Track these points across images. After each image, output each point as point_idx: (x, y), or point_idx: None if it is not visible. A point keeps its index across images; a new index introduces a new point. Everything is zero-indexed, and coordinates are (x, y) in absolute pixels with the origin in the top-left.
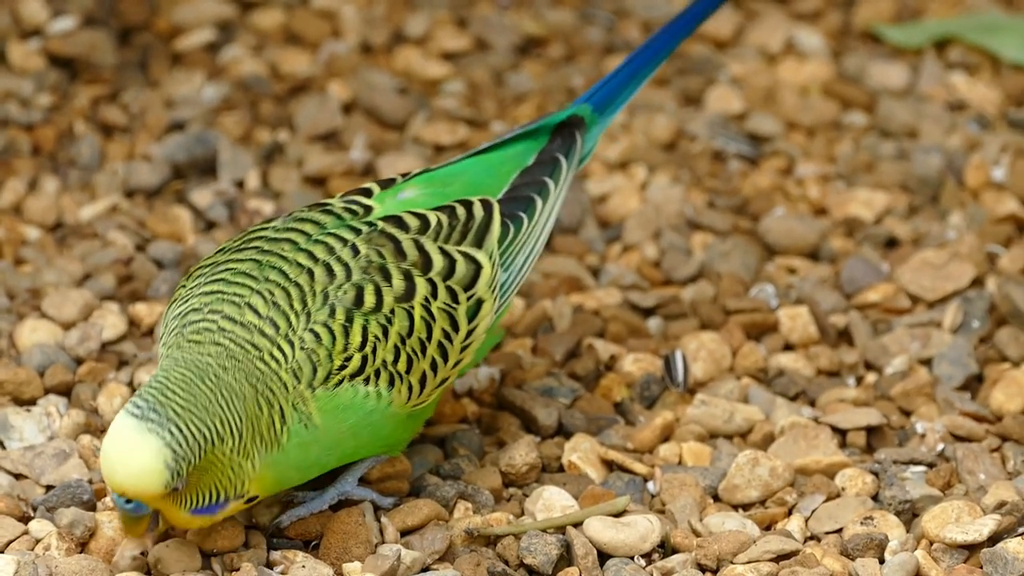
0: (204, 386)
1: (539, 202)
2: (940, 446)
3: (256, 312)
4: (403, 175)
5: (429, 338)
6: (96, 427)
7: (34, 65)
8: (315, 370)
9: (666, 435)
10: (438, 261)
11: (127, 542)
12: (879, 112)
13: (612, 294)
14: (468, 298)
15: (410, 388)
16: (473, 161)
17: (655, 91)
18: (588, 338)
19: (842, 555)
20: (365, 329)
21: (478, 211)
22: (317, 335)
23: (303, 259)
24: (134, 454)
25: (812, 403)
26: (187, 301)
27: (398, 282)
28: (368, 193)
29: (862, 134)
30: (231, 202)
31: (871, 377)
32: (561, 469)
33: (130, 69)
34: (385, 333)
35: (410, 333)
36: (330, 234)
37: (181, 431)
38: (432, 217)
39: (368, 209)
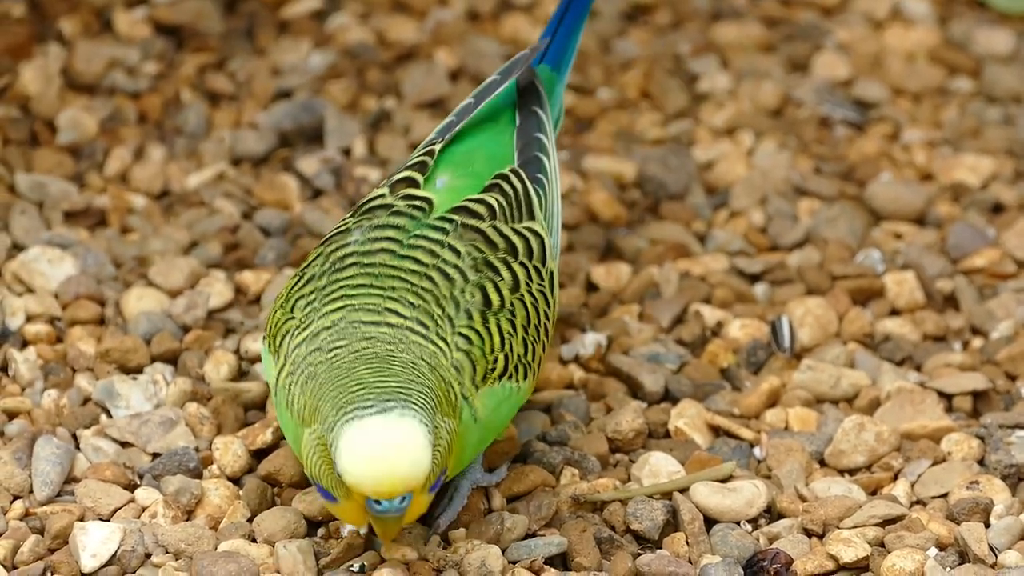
0: (403, 370)
1: (547, 161)
2: None
3: (399, 315)
4: (425, 153)
5: (539, 322)
6: (203, 395)
7: (140, 33)
8: (474, 368)
9: (772, 400)
10: (518, 243)
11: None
12: (985, 78)
13: (719, 260)
14: (548, 272)
15: (535, 373)
16: (478, 133)
17: (762, 57)
18: (694, 304)
19: (948, 520)
20: (500, 328)
21: (517, 184)
22: (468, 338)
23: (412, 265)
24: (401, 446)
25: (918, 368)
26: (308, 327)
27: (505, 274)
28: (416, 184)
29: (968, 100)
30: (337, 170)
31: (977, 342)
32: (667, 435)
33: (236, 37)
34: (513, 328)
35: (528, 322)
36: (419, 237)
37: (422, 407)
38: (491, 201)
39: (429, 202)
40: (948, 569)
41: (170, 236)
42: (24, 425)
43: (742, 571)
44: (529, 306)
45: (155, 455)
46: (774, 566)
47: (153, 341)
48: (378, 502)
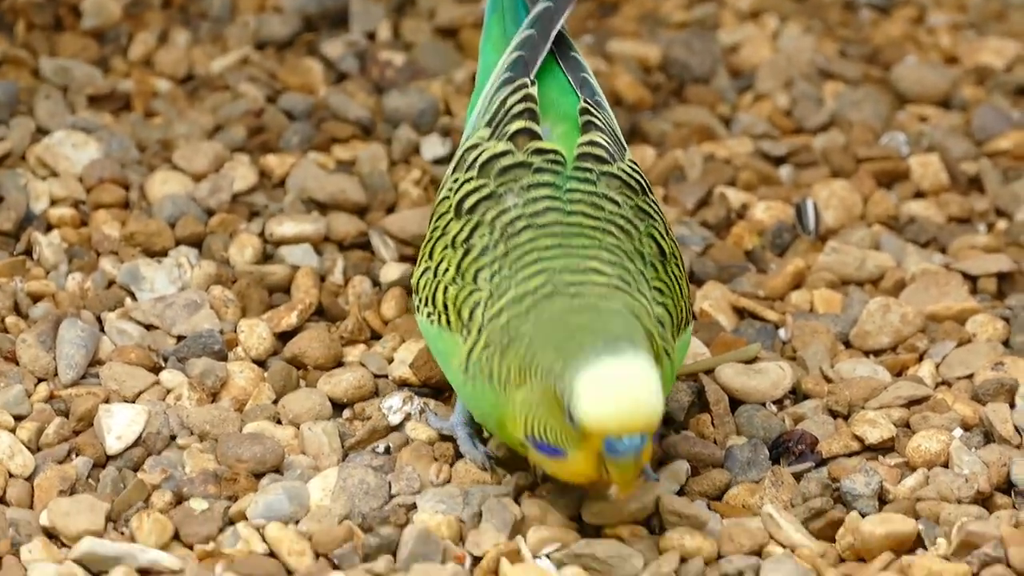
0: (619, 318)
1: (591, 79)
2: None
3: (602, 273)
4: (524, 99)
5: (681, 259)
6: (227, 278)
7: None
8: (672, 321)
9: (797, 282)
10: (641, 180)
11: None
12: None
13: (743, 143)
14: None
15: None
16: (543, 75)
17: None
18: (719, 187)
19: (973, 400)
20: (675, 276)
21: (600, 116)
22: (661, 291)
23: (589, 221)
24: (641, 381)
25: (943, 250)
26: (504, 294)
27: (657, 216)
28: (537, 135)
29: None
30: (362, 53)
31: (1002, 224)
32: (693, 316)
33: None
34: (680, 271)
35: (679, 263)
36: (574, 192)
37: (647, 351)
38: (601, 141)
39: (560, 154)
40: (973, 450)
41: (194, 120)
42: (48, 308)
43: (768, 451)
44: (676, 245)
45: (180, 338)
46: (799, 447)
47: (178, 224)
48: (618, 443)
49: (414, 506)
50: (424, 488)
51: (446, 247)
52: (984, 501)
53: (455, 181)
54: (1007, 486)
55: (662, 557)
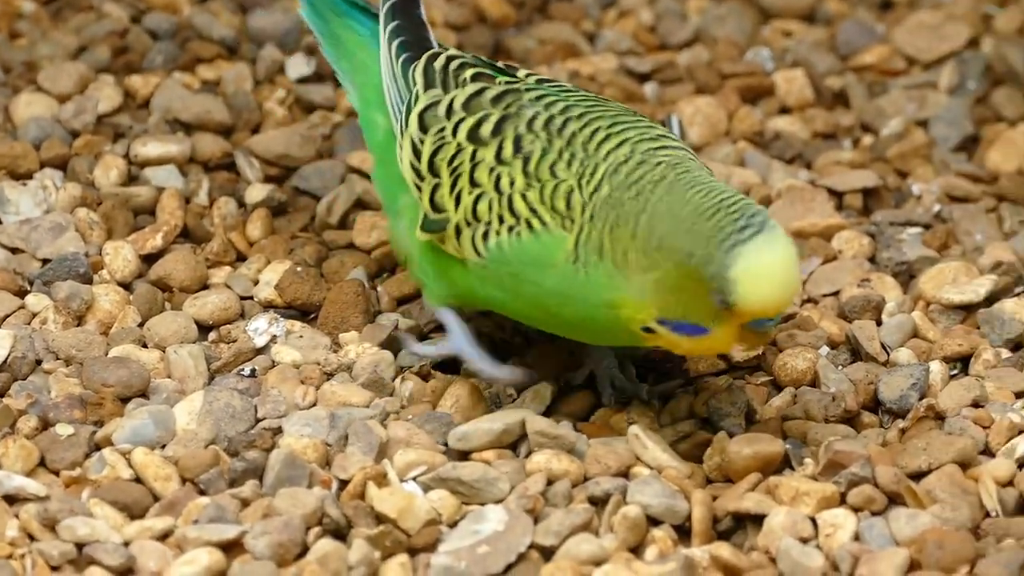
0: (728, 188)
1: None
2: (936, 207)
3: (670, 137)
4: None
5: None
6: (92, 200)
7: None
8: None
9: None
10: None
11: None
12: None
13: (608, 60)
14: None
15: None
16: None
17: None
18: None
19: (840, 317)
20: None
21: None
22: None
23: (610, 106)
24: (792, 258)
25: (808, 166)
26: (594, 175)
27: None
28: (499, 72)
29: None
30: None
31: (867, 139)
32: None
33: None
34: None
35: None
36: (553, 95)
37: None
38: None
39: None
40: (840, 368)
41: (59, 41)
42: None
43: (635, 370)
44: None
45: (45, 261)
46: (667, 365)
47: (43, 146)
48: (768, 320)
49: (280, 430)
50: (290, 411)
51: (492, 168)
52: (851, 420)
53: (439, 131)
54: (874, 404)
55: (528, 479)
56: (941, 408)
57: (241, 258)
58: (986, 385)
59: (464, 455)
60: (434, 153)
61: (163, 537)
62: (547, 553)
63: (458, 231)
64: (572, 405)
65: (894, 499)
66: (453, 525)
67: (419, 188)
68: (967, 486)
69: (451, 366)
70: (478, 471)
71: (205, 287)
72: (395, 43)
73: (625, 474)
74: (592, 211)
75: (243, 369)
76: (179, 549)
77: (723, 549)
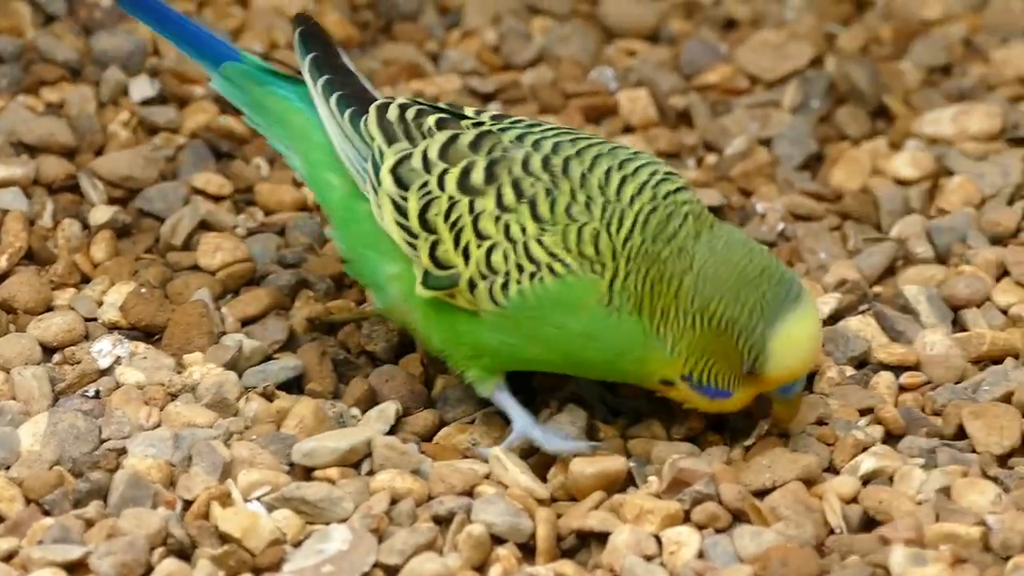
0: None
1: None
2: (781, 225)
3: (675, 176)
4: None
5: None
6: None
7: None
8: None
9: None
10: None
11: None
12: None
13: (452, 80)
14: None
15: None
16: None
17: None
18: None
19: None
20: None
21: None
22: None
23: (595, 141)
24: (819, 333)
25: None
26: (622, 218)
27: None
28: (461, 115)
29: None
30: None
31: (711, 158)
32: None
33: None
34: None
35: None
36: (524, 133)
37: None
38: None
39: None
40: None
41: None
42: None
43: None
44: None
45: None
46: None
47: None
48: (793, 385)
49: (124, 450)
50: (134, 432)
51: (497, 217)
52: (695, 438)
53: (423, 186)
54: (718, 423)
55: (372, 499)
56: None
57: (85, 280)
58: (830, 403)
59: (308, 472)
60: (424, 209)
61: (8, 558)
62: (391, 572)
63: (472, 284)
64: (416, 425)
65: (738, 516)
66: (297, 545)
67: (413, 246)
68: (811, 503)
69: (296, 386)
70: (322, 490)
71: (49, 309)
72: (333, 99)
73: (469, 493)
74: (627, 258)
75: (87, 390)
76: (24, 570)
77: (567, 567)
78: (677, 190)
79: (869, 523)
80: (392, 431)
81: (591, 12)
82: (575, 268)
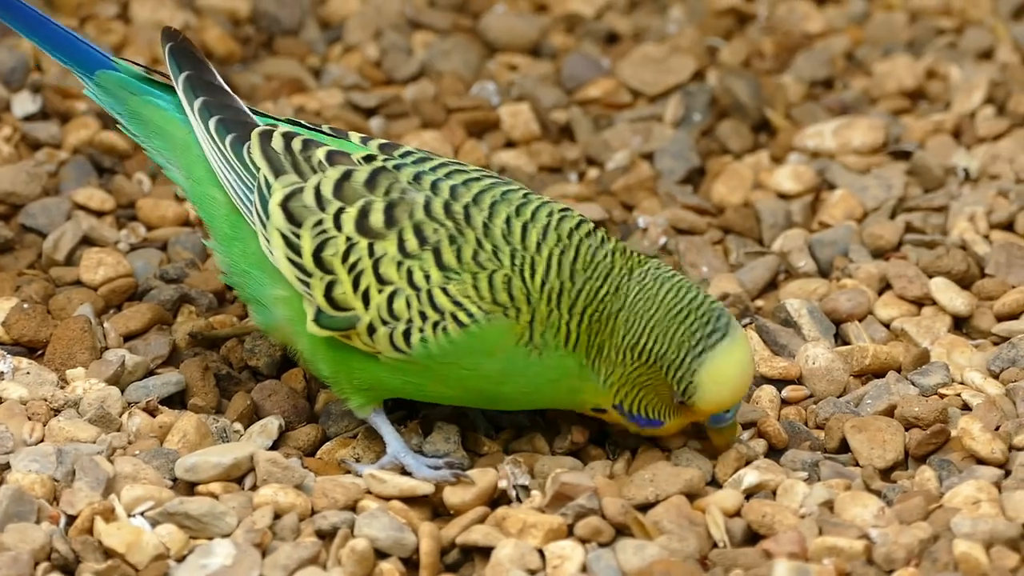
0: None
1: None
2: (663, 239)
3: (578, 217)
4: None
5: None
6: None
7: None
8: None
9: None
10: None
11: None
12: None
13: (334, 95)
14: None
15: None
16: None
17: None
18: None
19: None
20: None
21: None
22: None
23: (487, 180)
24: (750, 363)
25: None
26: (534, 263)
27: None
28: (348, 151)
29: None
30: None
31: (593, 172)
32: None
33: None
34: None
35: None
36: (434, 169)
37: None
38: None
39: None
40: None
41: None
42: None
43: None
44: None
45: None
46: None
47: None
48: (725, 414)
49: (7, 466)
50: (17, 447)
51: (400, 263)
52: (578, 452)
53: (317, 224)
54: (601, 437)
55: (256, 513)
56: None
57: None
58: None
59: (192, 487)
60: (319, 248)
61: None
62: None
63: (371, 329)
64: (299, 440)
65: (621, 530)
66: (181, 559)
67: (305, 284)
68: (694, 517)
69: (179, 401)
70: (205, 505)
71: None
72: (212, 123)
73: (353, 508)
74: (547, 299)
75: None
76: None
77: None
78: (577, 225)
79: (752, 537)
80: (275, 446)
81: (472, 27)
82: (479, 317)
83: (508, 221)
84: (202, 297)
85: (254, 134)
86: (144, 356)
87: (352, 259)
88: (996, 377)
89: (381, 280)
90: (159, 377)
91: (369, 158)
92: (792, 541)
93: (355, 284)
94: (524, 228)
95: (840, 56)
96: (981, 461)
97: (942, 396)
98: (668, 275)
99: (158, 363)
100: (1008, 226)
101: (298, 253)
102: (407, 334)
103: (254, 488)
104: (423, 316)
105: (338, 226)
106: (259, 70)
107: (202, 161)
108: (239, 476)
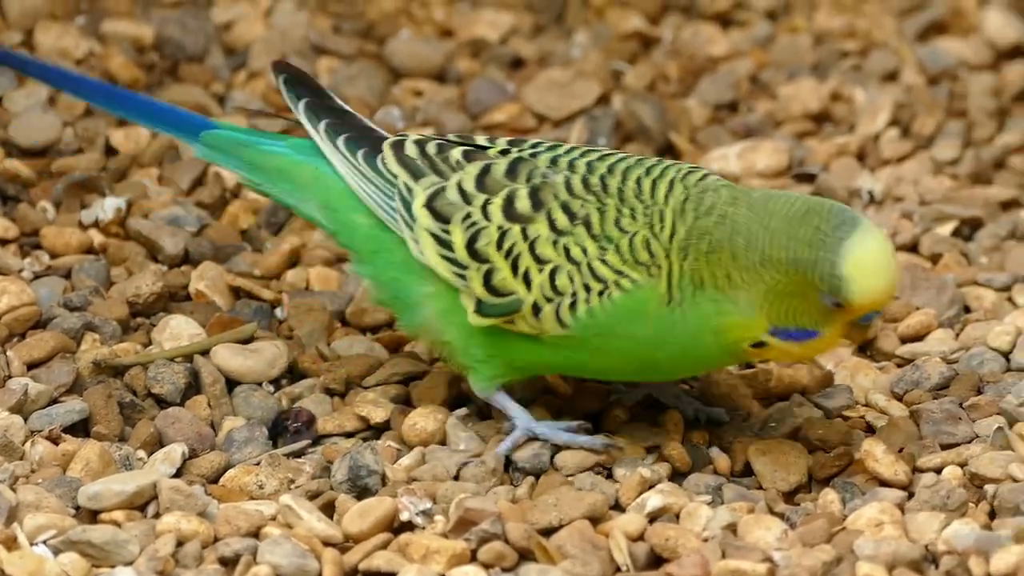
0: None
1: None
2: None
3: (701, 169)
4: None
5: None
6: None
7: None
8: None
9: (293, 260)
10: None
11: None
12: None
13: (238, 121)
14: None
15: None
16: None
17: None
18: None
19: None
20: None
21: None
22: None
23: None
24: (892, 254)
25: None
26: (663, 217)
27: None
28: (483, 146)
29: None
30: None
31: None
32: (188, 298)
33: None
34: None
35: None
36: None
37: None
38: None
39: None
40: (470, 425)
41: None
42: None
43: (267, 432)
44: None
45: None
46: (295, 424)
47: None
48: (874, 312)
49: None
50: None
51: (555, 242)
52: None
53: (466, 218)
54: (507, 463)
55: (158, 541)
56: (570, 466)
57: None
58: (617, 440)
59: (94, 515)
60: (472, 240)
61: None
62: None
63: (536, 308)
64: (202, 467)
65: (525, 555)
66: None
67: (462, 276)
68: (598, 541)
69: (82, 429)
70: (108, 533)
71: None
72: (340, 141)
73: (256, 535)
74: (678, 250)
75: None
76: None
77: None
78: (703, 177)
79: (656, 560)
80: (178, 473)
81: (377, 52)
82: (639, 280)
83: (639, 181)
84: (106, 325)
85: (386, 145)
86: (47, 384)
87: (507, 245)
88: (900, 399)
89: (539, 260)
90: (62, 405)
91: (504, 152)
92: (695, 564)
93: (514, 268)
94: (653, 185)
95: (745, 79)
96: (884, 483)
97: (846, 418)
98: (775, 192)
99: (61, 391)
100: (912, 248)
101: (450, 248)
102: (573, 306)
103: (157, 516)
104: (587, 288)
105: (487, 217)
106: (164, 97)
107: (338, 192)
108: (142, 504)
